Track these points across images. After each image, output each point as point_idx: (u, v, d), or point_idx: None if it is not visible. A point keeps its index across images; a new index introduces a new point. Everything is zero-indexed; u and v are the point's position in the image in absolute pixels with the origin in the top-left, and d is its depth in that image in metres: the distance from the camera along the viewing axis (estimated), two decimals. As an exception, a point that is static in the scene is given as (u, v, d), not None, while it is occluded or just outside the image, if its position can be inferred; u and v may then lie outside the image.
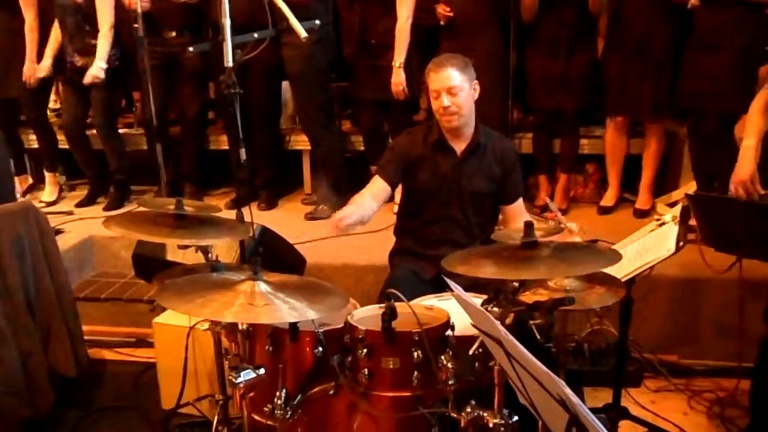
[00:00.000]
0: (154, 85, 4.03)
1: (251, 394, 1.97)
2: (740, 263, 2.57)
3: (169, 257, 2.88)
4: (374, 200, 2.74)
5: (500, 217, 2.91)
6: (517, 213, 2.82)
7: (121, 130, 4.99)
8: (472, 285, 2.22)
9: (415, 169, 2.78)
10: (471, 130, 2.73)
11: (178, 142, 4.69)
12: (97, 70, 4.25)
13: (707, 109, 3.61)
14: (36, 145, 4.93)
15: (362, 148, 4.56)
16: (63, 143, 4.84)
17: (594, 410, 2.22)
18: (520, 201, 2.86)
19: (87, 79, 4.25)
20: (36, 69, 4.52)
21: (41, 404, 2.89)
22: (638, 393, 2.95)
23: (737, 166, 2.50)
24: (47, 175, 4.88)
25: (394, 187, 2.85)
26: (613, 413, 2.63)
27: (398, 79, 3.94)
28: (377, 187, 2.77)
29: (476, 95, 2.69)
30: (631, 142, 4.11)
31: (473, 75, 2.67)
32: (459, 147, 2.74)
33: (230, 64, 2.60)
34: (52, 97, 5.53)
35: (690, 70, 3.64)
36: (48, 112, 5.49)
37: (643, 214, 4.00)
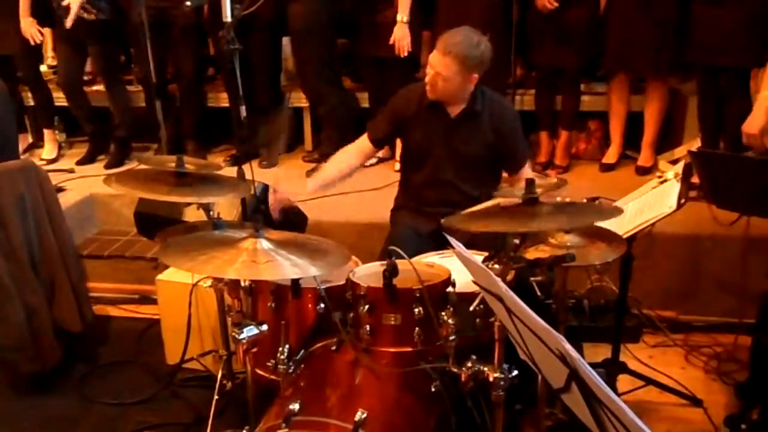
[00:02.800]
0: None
1: (254, 350, 1.99)
2: (748, 219, 2.56)
3: (176, 215, 2.89)
4: (357, 157, 2.88)
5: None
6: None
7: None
8: (471, 242, 2.22)
9: (409, 128, 2.76)
10: (465, 96, 2.67)
11: (177, 99, 4.65)
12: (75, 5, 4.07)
13: (720, 64, 3.44)
14: (33, 103, 4.87)
15: (365, 105, 4.50)
16: (61, 100, 4.81)
17: (593, 365, 2.26)
18: (526, 167, 2.79)
19: (68, 23, 4.09)
20: (34, 23, 4.42)
21: (48, 359, 2.94)
22: (637, 348, 2.98)
23: (750, 117, 2.49)
24: (46, 132, 4.84)
25: (378, 146, 2.90)
26: (611, 368, 2.67)
27: (402, 34, 3.84)
28: (362, 144, 2.86)
29: (474, 83, 2.62)
30: (634, 98, 4.06)
31: (476, 64, 2.57)
32: (453, 110, 2.71)
33: (229, 19, 2.56)
34: (50, 54, 5.47)
35: (701, 23, 3.50)
36: (46, 68, 5.43)
37: (645, 171, 3.98)
